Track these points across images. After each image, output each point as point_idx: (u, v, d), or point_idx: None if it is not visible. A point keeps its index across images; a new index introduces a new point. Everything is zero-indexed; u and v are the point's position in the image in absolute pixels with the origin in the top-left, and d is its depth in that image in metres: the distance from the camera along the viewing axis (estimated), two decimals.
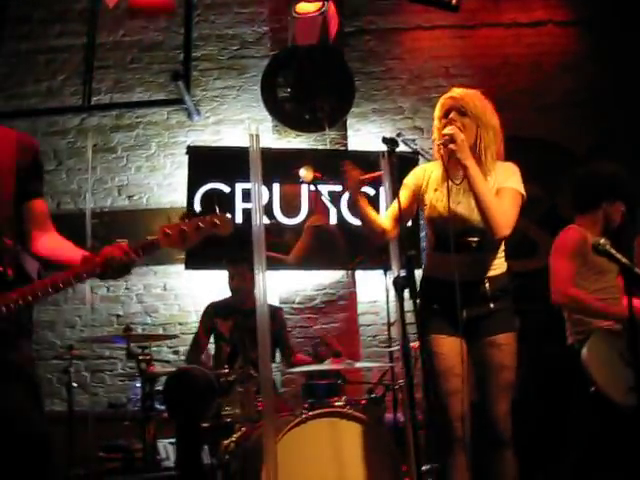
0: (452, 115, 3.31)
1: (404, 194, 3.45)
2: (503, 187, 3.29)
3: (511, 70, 7.13)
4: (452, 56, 7.16)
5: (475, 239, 3.27)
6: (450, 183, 3.26)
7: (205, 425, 4.30)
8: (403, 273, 3.04)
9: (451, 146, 3.18)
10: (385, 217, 3.52)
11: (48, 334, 6.62)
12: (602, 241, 2.89)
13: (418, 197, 3.46)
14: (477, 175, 3.18)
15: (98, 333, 6.21)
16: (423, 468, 4.82)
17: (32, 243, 2.67)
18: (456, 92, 3.40)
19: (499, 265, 3.36)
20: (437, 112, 3.38)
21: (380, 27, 7.22)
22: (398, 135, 6.60)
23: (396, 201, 3.30)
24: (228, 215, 2.64)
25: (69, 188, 6.89)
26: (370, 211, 3.46)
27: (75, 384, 5.44)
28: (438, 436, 3.29)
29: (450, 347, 3.23)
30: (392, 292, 4.88)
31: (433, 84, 7.00)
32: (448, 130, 3.22)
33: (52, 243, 2.68)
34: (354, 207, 3.51)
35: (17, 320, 2.58)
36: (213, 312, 5.41)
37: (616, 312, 3.87)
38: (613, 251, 2.86)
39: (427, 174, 3.47)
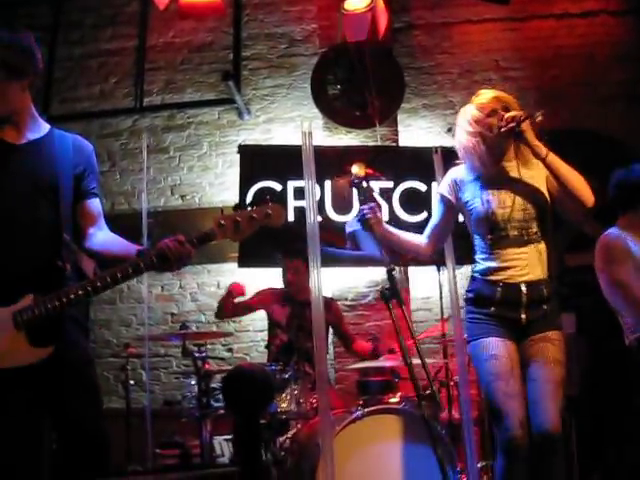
0: (501, 112, 3.24)
1: (441, 209, 3.45)
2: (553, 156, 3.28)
3: (563, 62, 7.01)
4: (502, 49, 7.07)
5: (535, 229, 3.22)
6: (497, 178, 3.27)
7: (261, 422, 4.32)
8: (387, 285, 3.10)
9: (523, 126, 3.16)
10: (425, 235, 3.49)
11: (104, 333, 6.73)
12: None
13: (458, 207, 3.41)
14: (551, 153, 3.20)
15: (153, 331, 6.27)
16: (479, 465, 4.81)
17: (87, 239, 2.73)
18: (494, 92, 3.35)
19: (548, 266, 3.29)
20: (478, 113, 3.25)
21: (429, 22, 7.17)
22: (449, 130, 6.57)
23: (438, 213, 3.39)
24: (280, 206, 2.63)
25: (123, 189, 6.99)
26: (399, 236, 3.48)
27: (132, 382, 5.52)
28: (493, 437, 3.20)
29: (508, 350, 3.14)
30: (445, 288, 4.89)
31: (484, 78, 6.93)
32: (512, 113, 3.18)
33: (106, 239, 2.73)
34: (384, 240, 3.42)
35: (76, 318, 2.64)
36: (271, 297, 5.46)
37: None
38: None
39: (460, 179, 3.39)
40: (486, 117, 3.22)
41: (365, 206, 3.38)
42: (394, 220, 6.28)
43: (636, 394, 4.05)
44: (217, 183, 6.92)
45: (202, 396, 4.60)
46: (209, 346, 6.14)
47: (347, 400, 5.14)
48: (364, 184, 5.93)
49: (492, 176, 3.27)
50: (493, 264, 3.23)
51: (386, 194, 6.13)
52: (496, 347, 3.13)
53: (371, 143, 6.65)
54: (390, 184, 6.35)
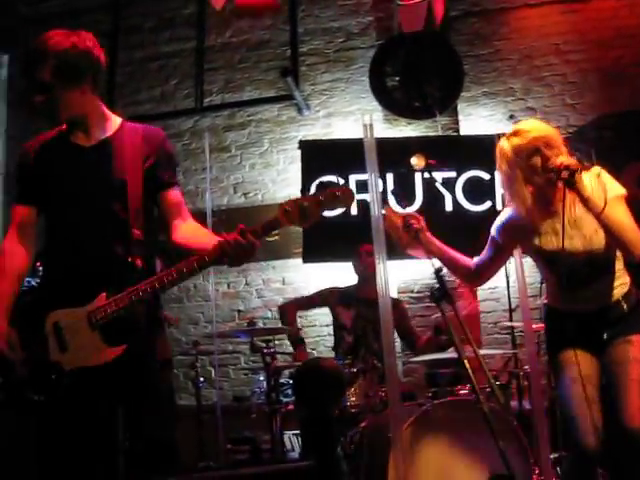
0: (544, 151, 3.02)
1: (493, 250, 3.34)
2: (609, 199, 2.93)
3: (626, 42, 6.81)
4: (562, 32, 6.91)
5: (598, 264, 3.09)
6: (552, 221, 3.12)
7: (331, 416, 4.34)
8: (437, 285, 3.04)
9: (577, 176, 2.90)
10: (474, 264, 3.40)
11: (173, 331, 6.81)
12: None
13: (510, 248, 3.37)
14: (598, 206, 2.91)
15: (221, 328, 6.34)
16: (551, 457, 4.74)
17: (172, 233, 2.70)
18: (530, 130, 3.09)
19: (624, 280, 3.16)
20: (514, 156, 3.06)
21: (485, 8, 7.06)
22: (511, 117, 6.49)
23: (487, 251, 3.30)
24: (348, 187, 2.55)
25: (187, 189, 7.06)
26: (445, 251, 3.46)
27: (201, 379, 5.59)
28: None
29: (585, 358, 3.05)
30: (512, 278, 4.83)
31: (544, 62, 6.81)
32: (565, 160, 2.92)
33: (188, 232, 2.69)
34: (428, 250, 3.39)
35: (155, 316, 2.67)
36: (337, 298, 5.42)
37: None
38: None
39: (512, 221, 3.25)
40: (527, 160, 3.04)
41: (410, 214, 3.32)
42: (458, 210, 6.24)
43: None
44: (279, 180, 6.96)
45: (271, 391, 4.64)
46: (277, 342, 6.20)
47: (418, 392, 5.12)
48: (425, 175, 5.93)
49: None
50: (562, 298, 3.21)
51: (449, 184, 6.08)
52: (573, 356, 3.05)
53: (432, 133, 6.61)
54: (453, 174, 6.29)
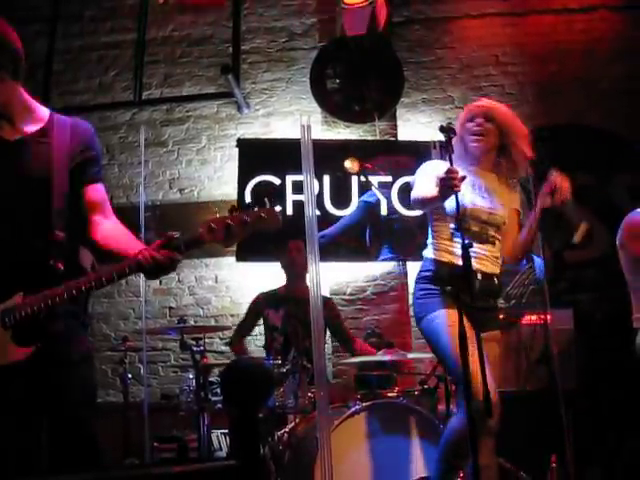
0: (478, 120, 3.44)
1: None
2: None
3: (563, 57, 6.99)
4: (502, 44, 7.06)
5: (498, 235, 3.40)
6: (482, 182, 3.43)
7: (259, 416, 4.32)
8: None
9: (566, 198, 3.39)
10: None
11: (102, 326, 6.73)
12: None
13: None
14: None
15: (151, 325, 6.27)
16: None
17: (92, 230, 2.64)
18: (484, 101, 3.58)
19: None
20: (466, 115, 3.52)
21: (428, 16, 7.15)
22: (448, 125, 6.55)
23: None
24: (277, 208, 2.54)
25: (122, 182, 6.98)
26: None
27: (129, 375, 5.52)
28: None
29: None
30: None
31: (483, 73, 6.93)
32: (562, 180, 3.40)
33: (109, 232, 2.63)
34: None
35: (73, 312, 2.61)
36: (264, 303, 5.42)
37: None
38: None
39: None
40: (468, 121, 3.46)
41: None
42: (393, 213, 6.29)
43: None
44: (216, 177, 6.91)
45: (200, 390, 4.59)
46: (207, 340, 6.15)
47: (344, 394, 5.14)
48: (361, 178, 5.97)
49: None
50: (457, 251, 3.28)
51: (384, 188, 6.12)
52: (451, 316, 3.17)
53: (370, 137, 6.65)
54: (389, 178, 6.34)
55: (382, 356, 4.51)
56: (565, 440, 4.51)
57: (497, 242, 3.42)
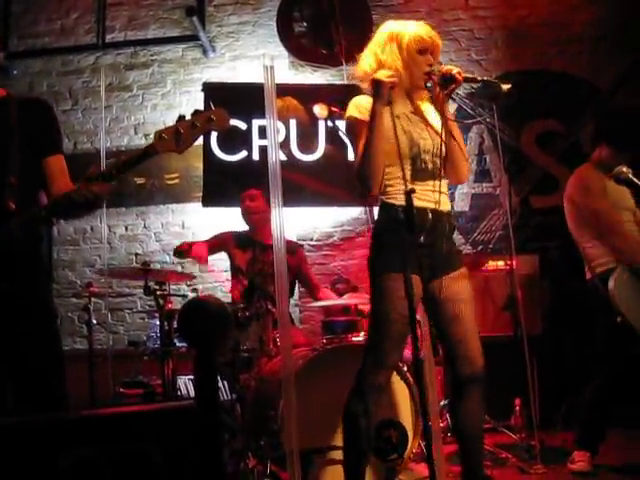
0: (429, 57, 3.10)
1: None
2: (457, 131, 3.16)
3: (532, 2, 6.92)
4: None
5: (441, 166, 3.11)
6: (409, 111, 3.16)
7: (222, 360, 4.32)
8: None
9: (453, 87, 3.00)
10: None
11: (68, 274, 6.67)
12: (624, 169, 2.83)
13: None
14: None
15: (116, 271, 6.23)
16: (441, 403, 4.88)
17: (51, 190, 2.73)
18: (434, 34, 3.15)
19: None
20: (414, 44, 3.07)
21: None
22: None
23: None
24: (222, 109, 2.56)
25: (85, 127, 6.86)
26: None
27: (95, 322, 5.48)
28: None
29: (416, 285, 2.88)
30: None
31: (452, 17, 6.85)
32: (455, 70, 2.99)
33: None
34: None
35: (34, 253, 2.61)
36: (232, 242, 5.34)
37: None
38: (634, 179, 2.80)
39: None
40: (420, 52, 3.08)
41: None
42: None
43: (600, 325, 4.14)
44: None
45: (165, 335, 4.59)
46: (174, 287, 6.11)
47: (312, 340, 5.17)
48: (328, 123, 5.92)
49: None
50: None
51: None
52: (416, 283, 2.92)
53: (338, 82, 6.57)
54: None
55: (344, 300, 4.53)
56: (529, 384, 4.57)
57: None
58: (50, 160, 2.74)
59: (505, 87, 2.97)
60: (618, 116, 4.57)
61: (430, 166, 3.07)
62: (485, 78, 3.13)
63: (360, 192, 3.12)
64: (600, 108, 6.03)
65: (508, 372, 4.51)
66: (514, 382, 4.69)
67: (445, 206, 3.11)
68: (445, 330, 3.05)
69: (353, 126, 3.12)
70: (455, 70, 2.99)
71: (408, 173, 3.02)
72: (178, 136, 2.45)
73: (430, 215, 3.03)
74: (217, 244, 5.37)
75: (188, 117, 2.48)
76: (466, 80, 3.02)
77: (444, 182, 3.13)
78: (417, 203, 2.91)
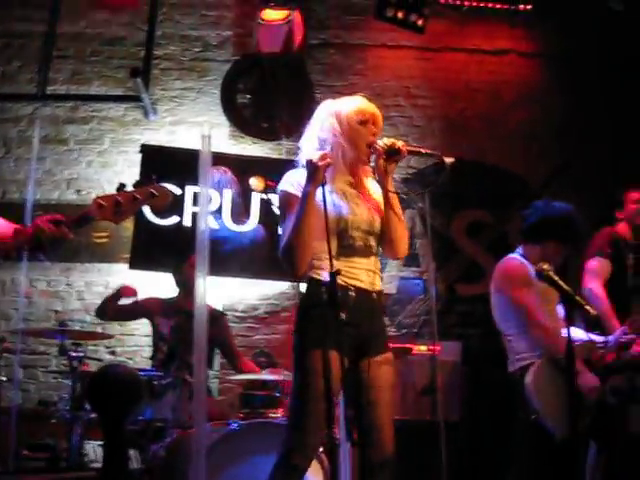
0: (372, 127, 3.12)
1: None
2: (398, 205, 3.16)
3: (471, 96, 7.18)
4: (414, 77, 7.19)
5: (375, 244, 3.09)
6: (347, 187, 3.13)
7: (134, 429, 4.21)
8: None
9: (397, 158, 3.05)
10: None
11: None
12: (545, 267, 2.89)
13: None
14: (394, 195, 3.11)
15: (33, 328, 6.05)
16: None
17: None
18: (373, 105, 3.19)
19: None
20: (355, 116, 3.10)
21: (345, 42, 7.20)
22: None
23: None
24: (167, 186, 2.52)
25: (16, 177, 6.72)
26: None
27: (4, 378, 5.28)
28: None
29: (336, 365, 2.78)
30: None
31: (393, 103, 7.02)
32: (399, 142, 3.05)
33: None
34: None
35: None
36: (157, 308, 5.28)
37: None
38: (556, 277, 2.85)
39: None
40: (364, 123, 3.09)
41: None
42: None
43: (518, 420, 4.16)
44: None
45: (76, 398, 4.45)
46: (92, 348, 5.97)
47: (229, 412, 5.06)
48: (263, 196, 5.95)
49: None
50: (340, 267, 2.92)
51: None
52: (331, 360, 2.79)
53: (275, 156, 6.63)
54: None
55: (264, 375, 4.47)
56: (443, 470, 4.56)
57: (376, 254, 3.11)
58: None
59: (448, 160, 3.02)
60: (549, 212, 4.68)
61: (359, 243, 3.03)
62: (429, 151, 3.16)
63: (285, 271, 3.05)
64: (530, 204, 6.18)
65: (424, 456, 4.50)
66: (429, 466, 4.67)
67: (374, 285, 3.05)
68: (361, 414, 3.00)
69: (285, 200, 3.07)
70: (399, 142, 3.03)
71: (334, 249, 2.94)
72: (117, 207, 2.43)
73: (353, 294, 2.98)
74: (143, 308, 5.31)
75: (129, 188, 2.43)
76: (410, 152, 3.07)
77: (375, 260, 3.09)
78: (340, 281, 2.88)
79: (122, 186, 2.43)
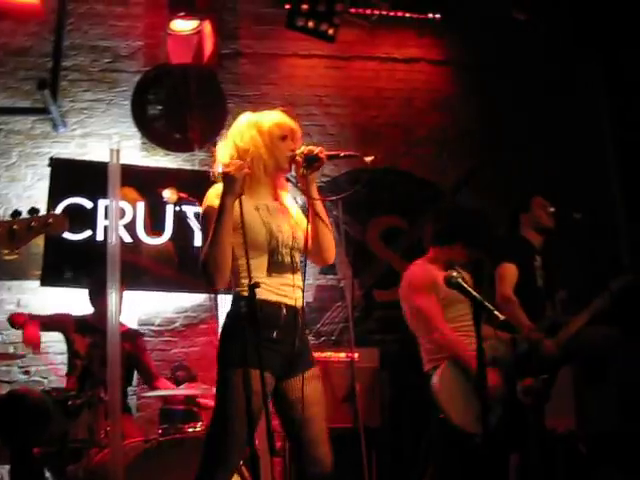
0: (291, 144, 3.16)
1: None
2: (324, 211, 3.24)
3: (383, 103, 7.28)
4: (326, 85, 7.25)
5: (298, 260, 3.12)
6: (269, 201, 3.16)
7: (49, 450, 4.11)
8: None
9: (317, 165, 3.07)
10: None
11: None
12: (454, 274, 2.94)
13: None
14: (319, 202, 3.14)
15: None
16: None
17: None
18: (293, 121, 3.26)
19: None
20: (276, 130, 3.15)
21: (257, 51, 7.20)
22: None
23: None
24: (62, 214, 2.50)
25: None
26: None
27: None
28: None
29: (257, 382, 2.77)
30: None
31: (305, 112, 7.04)
32: (317, 149, 3.07)
33: None
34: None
35: None
36: (72, 326, 5.17)
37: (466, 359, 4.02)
38: (464, 284, 2.91)
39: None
40: (283, 138, 3.14)
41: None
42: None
43: (431, 419, 4.23)
44: (25, 196, 6.54)
45: None
46: (4, 368, 5.80)
47: (148, 429, 4.99)
48: (176, 208, 5.90)
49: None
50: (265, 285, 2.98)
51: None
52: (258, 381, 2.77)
53: (189, 167, 6.57)
54: None
55: (183, 390, 4.43)
56: (366, 476, 4.59)
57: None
58: None
59: (368, 159, 3.06)
60: (457, 215, 4.80)
61: (287, 259, 3.06)
62: (348, 153, 3.18)
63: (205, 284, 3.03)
64: (440, 208, 6.31)
65: (347, 464, 4.52)
66: (352, 473, 4.70)
67: (300, 302, 3.08)
68: (296, 431, 2.99)
69: (211, 215, 2.98)
70: (317, 149, 3.06)
71: (265, 266, 2.99)
72: (12, 234, 2.37)
73: (285, 310, 3.00)
74: (55, 322, 5.19)
75: (25, 215, 2.38)
76: (329, 157, 3.09)
77: (299, 276, 3.12)
78: (271, 297, 2.96)
79: (17, 213, 2.38)
